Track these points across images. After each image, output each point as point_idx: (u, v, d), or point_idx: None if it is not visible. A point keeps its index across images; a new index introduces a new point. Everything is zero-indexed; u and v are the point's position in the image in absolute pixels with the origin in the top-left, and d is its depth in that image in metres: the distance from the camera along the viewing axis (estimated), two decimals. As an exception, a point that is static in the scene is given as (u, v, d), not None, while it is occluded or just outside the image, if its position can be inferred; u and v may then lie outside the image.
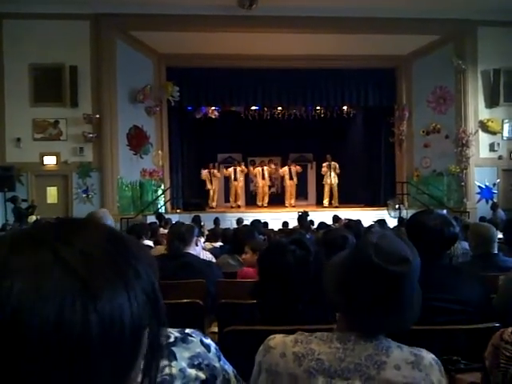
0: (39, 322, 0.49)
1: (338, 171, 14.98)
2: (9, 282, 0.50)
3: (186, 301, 2.87)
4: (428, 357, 1.28)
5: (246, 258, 4.09)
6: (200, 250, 4.37)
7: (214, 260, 4.47)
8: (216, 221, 10.76)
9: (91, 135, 11.89)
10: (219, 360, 1.22)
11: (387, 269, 1.24)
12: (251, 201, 16.83)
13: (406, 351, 1.28)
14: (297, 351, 1.28)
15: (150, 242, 5.85)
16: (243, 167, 15.81)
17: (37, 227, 0.60)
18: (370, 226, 6.18)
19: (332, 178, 14.97)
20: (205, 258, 4.32)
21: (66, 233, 0.57)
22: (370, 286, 1.26)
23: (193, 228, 3.92)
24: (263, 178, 15.83)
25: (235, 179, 15.35)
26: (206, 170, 15.39)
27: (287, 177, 15.55)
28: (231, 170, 15.57)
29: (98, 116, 11.88)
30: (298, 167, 15.68)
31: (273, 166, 16.64)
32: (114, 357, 0.52)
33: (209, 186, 15.34)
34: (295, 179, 15.59)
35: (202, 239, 7.62)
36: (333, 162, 15.00)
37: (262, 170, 15.94)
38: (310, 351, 1.27)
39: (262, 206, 15.50)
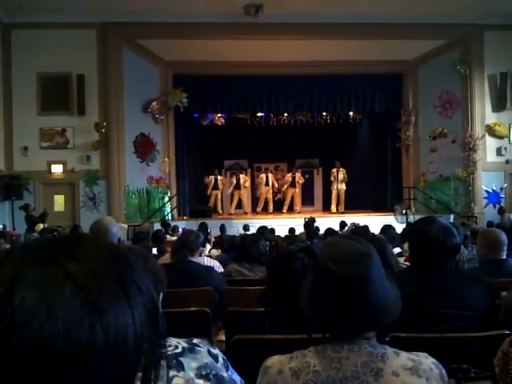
0: (47, 339, 0.49)
1: (346, 179, 14.94)
2: (20, 296, 0.50)
3: (193, 309, 2.86)
4: (427, 361, 1.26)
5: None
6: (203, 258, 4.36)
7: (221, 268, 4.44)
8: (222, 228, 10.74)
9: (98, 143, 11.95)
10: (227, 370, 1.22)
11: (348, 270, 1.26)
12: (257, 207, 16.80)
13: (403, 357, 1.26)
14: (293, 366, 1.29)
15: (154, 251, 5.66)
16: (247, 177, 15.75)
17: (43, 242, 0.61)
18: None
19: (340, 185, 14.96)
20: (209, 265, 4.29)
21: (73, 249, 0.58)
22: (341, 292, 1.27)
23: (199, 237, 3.90)
24: (267, 184, 15.80)
25: (240, 186, 15.32)
26: (212, 176, 15.38)
27: (289, 183, 15.49)
28: (237, 176, 15.55)
29: (105, 124, 11.93)
30: (301, 179, 15.60)
31: (278, 173, 16.57)
32: (118, 370, 0.54)
33: (209, 192, 15.28)
34: (298, 187, 15.53)
35: (208, 247, 7.60)
36: (341, 169, 15.00)
37: (267, 177, 15.91)
38: (305, 364, 1.28)
39: (268, 213, 15.46)
